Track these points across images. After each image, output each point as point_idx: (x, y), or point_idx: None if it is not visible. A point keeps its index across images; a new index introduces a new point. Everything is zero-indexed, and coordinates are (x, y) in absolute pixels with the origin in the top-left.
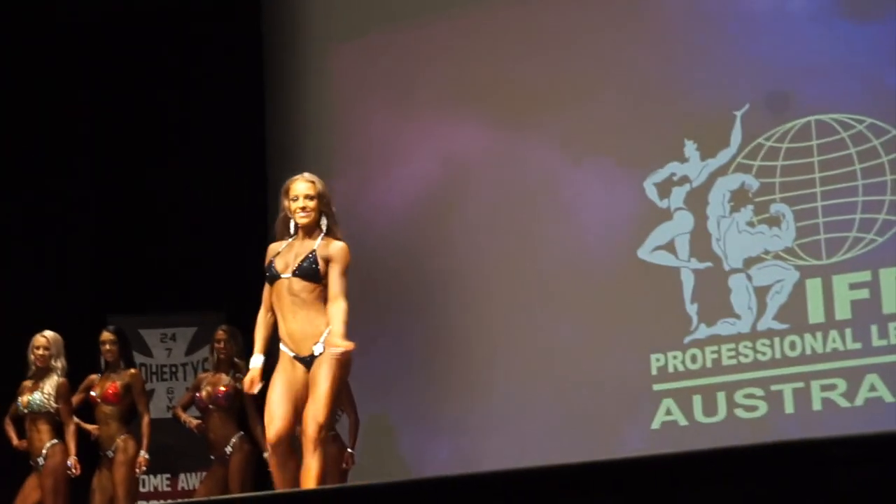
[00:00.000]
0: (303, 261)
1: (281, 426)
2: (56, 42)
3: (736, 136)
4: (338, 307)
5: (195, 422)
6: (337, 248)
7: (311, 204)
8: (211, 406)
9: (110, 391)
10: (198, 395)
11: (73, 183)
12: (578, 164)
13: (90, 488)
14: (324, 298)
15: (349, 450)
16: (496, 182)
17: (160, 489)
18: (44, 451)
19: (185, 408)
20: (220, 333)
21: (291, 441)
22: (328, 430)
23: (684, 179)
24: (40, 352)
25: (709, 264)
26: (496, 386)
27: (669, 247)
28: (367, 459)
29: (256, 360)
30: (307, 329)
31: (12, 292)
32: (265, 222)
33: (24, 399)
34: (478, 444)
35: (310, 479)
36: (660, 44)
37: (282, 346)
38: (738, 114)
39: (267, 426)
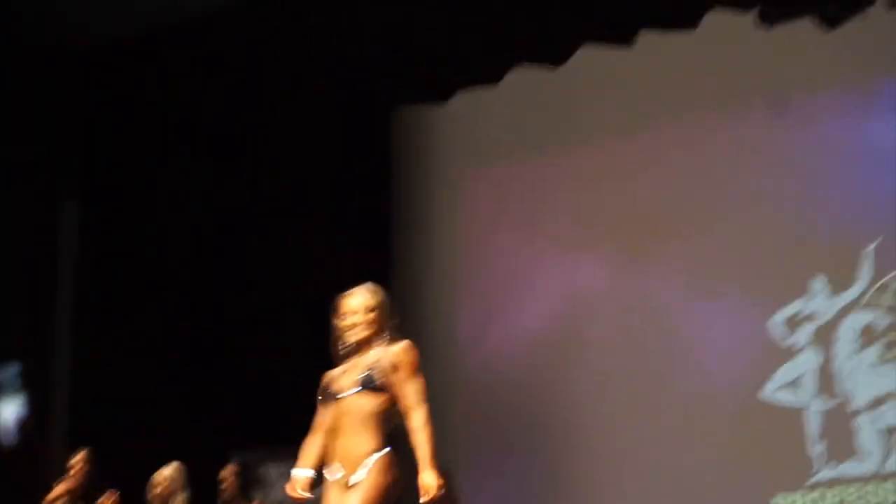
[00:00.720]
0: (362, 376)
1: None
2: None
3: (866, 272)
4: (419, 427)
5: None
6: (399, 349)
7: (360, 319)
8: None
9: None
10: None
11: (194, 319)
12: (704, 299)
13: None
14: (386, 417)
15: None
16: (620, 315)
17: None
18: None
19: None
20: None
21: None
22: None
23: (812, 316)
24: (158, 489)
25: (835, 403)
26: None
27: (795, 384)
28: None
29: (303, 472)
30: (354, 451)
31: (140, 424)
32: None
33: None
34: None
35: None
36: (788, 176)
37: (325, 473)
38: (869, 249)
39: None
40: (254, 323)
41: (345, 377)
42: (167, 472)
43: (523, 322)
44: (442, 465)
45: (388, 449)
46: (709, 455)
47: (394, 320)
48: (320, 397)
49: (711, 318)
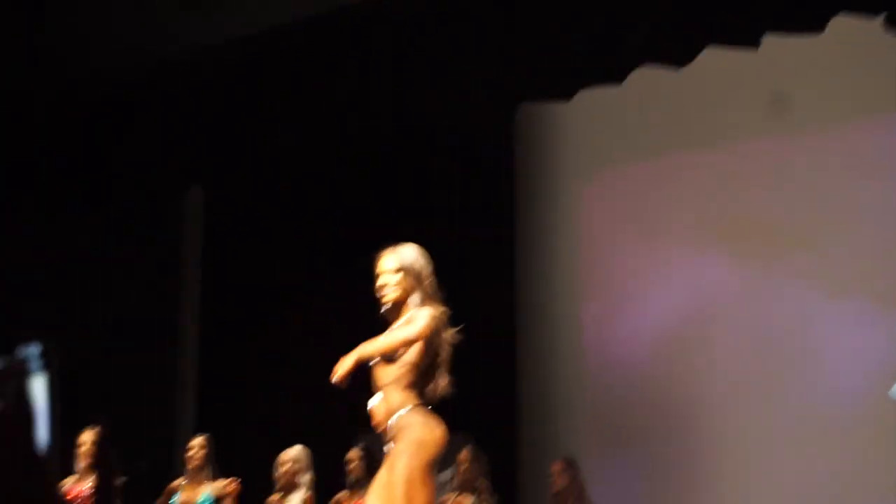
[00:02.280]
0: None
1: None
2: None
3: None
4: (404, 327)
5: None
6: (420, 313)
7: (395, 279)
8: None
9: None
10: None
11: (320, 303)
12: (830, 302)
13: None
14: (413, 381)
15: None
16: (744, 317)
17: None
18: None
19: None
20: (464, 454)
21: None
22: None
23: None
24: (285, 468)
25: None
26: None
27: None
28: None
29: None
30: (384, 416)
31: (265, 410)
32: (513, 347)
33: None
34: None
35: None
36: None
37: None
38: None
39: None
40: (377, 310)
41: None
42: (293, 452)
43: (647, 319)
44: (568, 455)
45: (407, 408)
46: (835, 459)
47: (426, 284)
48: None
49: (840, 320)
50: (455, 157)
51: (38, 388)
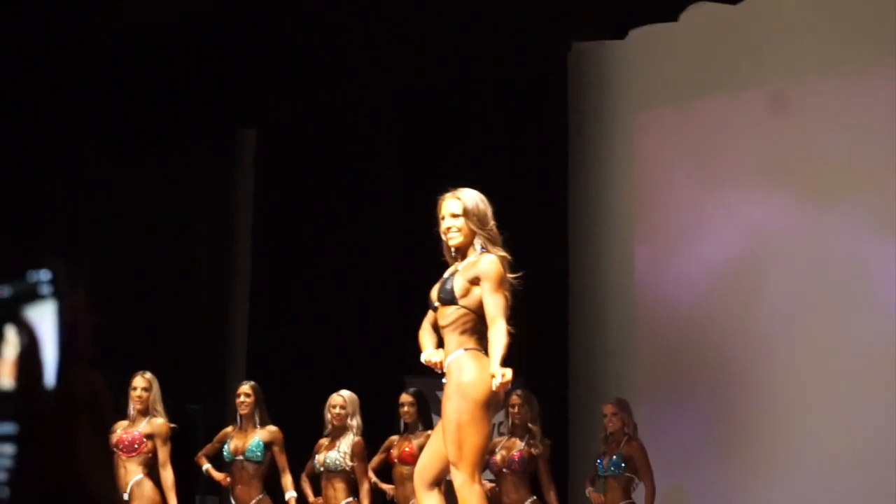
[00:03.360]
0: (443, 284)
1: (420, 464)
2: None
3: None
4: (496, 331)
5: (489, 485)
6: (485, 263)
7: (458, 223)
8: (505, 470)
9: (408, 452)
10: (492, 458)
11: (370, 247)
12: (887, 243)
13: None
14: (471, 326)
15: None
16: (802, 257)
17: None
18: None
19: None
20: (515, 398)
21: (435, 481)
22: (473, 469)
23: None
24: (336, 410)
25: None
26: (794, 466)
27: None
28: None
29: (427, 354)
30: (447, 356)
31: (314, 355)
32: (566, 289)
33: (320, 457)
34: None
35: None
36: None
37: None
38: None
39: None
40: (428, 254)
41: (438, 286)
42: (344, 396)
43: (701, 260)
44: (620, 398)
45: (460, 351)
46: (889, 401)
47: (489, 227)
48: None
49: None
50: (508, 97)
51: (48, 315)
